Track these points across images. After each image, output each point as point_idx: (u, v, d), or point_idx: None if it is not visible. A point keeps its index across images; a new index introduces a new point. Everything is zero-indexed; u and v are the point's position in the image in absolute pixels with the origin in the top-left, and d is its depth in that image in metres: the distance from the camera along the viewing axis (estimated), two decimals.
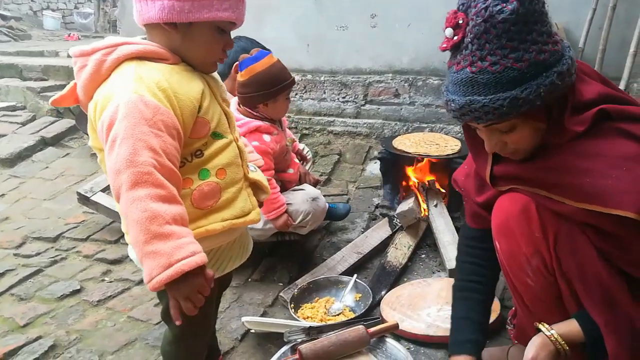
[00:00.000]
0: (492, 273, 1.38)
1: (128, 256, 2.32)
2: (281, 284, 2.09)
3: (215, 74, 1.26)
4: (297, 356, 1.48)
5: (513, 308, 1.68)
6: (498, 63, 1.01)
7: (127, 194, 0.98)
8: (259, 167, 1.38)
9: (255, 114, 2.03)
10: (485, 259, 1.37)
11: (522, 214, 1.18)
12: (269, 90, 1.95)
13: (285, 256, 2.26)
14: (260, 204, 1.33)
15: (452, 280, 1.95)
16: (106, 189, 2.64)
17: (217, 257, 1.25)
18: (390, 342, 1.58)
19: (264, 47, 2.19)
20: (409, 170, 2.49)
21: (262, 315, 1.88)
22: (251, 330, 1.77)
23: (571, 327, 1.15)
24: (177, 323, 1.03)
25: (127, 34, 1.14)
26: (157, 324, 1.83)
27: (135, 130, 1.00)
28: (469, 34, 1.04)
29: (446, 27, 1.11)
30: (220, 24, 1.13)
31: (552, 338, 1.13)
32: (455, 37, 1.08)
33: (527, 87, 1.00)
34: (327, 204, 2.15)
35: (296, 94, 3.93)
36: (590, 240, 1.12)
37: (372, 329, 1.57)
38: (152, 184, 0.98)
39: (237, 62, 2.02)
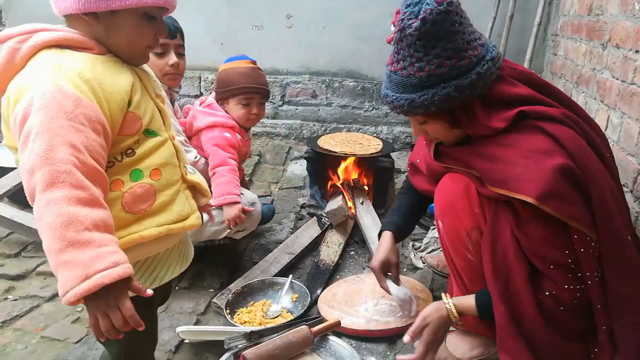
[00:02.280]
0: (423, 197, 1.65)
1: (33, 270, 2.10)
2: (212, 290, 1.99)
3: (148, 69, 1.17)
4: None
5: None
6: (406, 69, 1.18)
7: (41, 195, 0.86)
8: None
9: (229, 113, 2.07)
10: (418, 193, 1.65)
11: (464, 192, 1.31)
12: (221, 89, 2.02)
13: (214, 261, 2.16)
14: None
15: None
16: (3, 196, 2.35)
17: (154, 265, 1.14)
18: (333, 339, 1.58)
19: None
20: (338, 169, 2.52)
21: (195, 324, 1.78)
22: (185, 341, 1.67)
23: (468, 301, 1.31)
24: (101, 340, 0.92)
25: (14, 25, 1.01)
26: (77, 342, 1.65)
27: (52, 124, 0.88)
28: (395, 36, 1.20)
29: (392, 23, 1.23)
30: (148, 10, 1.02)
31: (447, 305, 1.32)
32: (391, 35, 1.23)
33: (424, 94, 1.17)
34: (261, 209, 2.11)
35: (210, 93, 3.80)
36: (508, 221, 1.23)
37: (315, 329, 1.55)
38: (71, 185, 0.87)
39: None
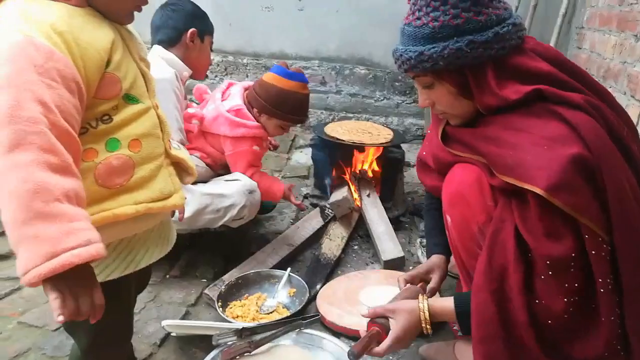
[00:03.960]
0: None
1: None
2: (204, 280, 1.87)
3: (132, 29, 1.04)
4: (377, 328, 1.21)
5: None
6: (420, 19, 1.10)
7: (4, 157, 0.73)
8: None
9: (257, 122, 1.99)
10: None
11: (476, 183, 1.19)
12: (269, 106, 1.93)
13: (208, 249, 2.04)
14: None
15: (389, 272, 1.89)
16: None
17: (129, 248, 1.01)
18: (330, 340, 1.45)
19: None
20: (345, 159, 2.38)
21: (184, 316, 1.66)
22: (172, 334, 1.55)
23: (445, 304, 1.18)
24: (59, 320, 0.77)
25: None
26: (56, 330, 1.54)
27: (20, 78, 0.76)
28: None
29: None
30: None
31: (421, 305, 1.18)
32: None
33: (435, 47, 1.08)
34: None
35: (216, 76, 3.68)
36: (515, 216, 1.11)
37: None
38: (40, 148, 0.75)
39: (192, 29, 1.85)
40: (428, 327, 1.17)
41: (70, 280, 0.75)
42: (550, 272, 1.04)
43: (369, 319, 1.23)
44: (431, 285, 1.38)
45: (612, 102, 1.15)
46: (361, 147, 2.32)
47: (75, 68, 0.83)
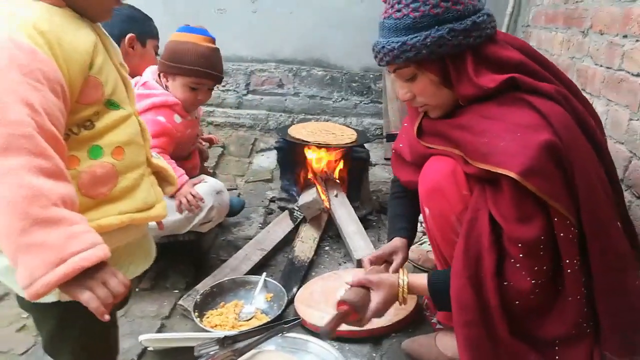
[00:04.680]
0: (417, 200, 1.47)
1: None
2: (176, 291, 1.81)
3: (106, 33, 0.99)
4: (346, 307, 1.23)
5: None
6: (400, 10, 1.13)
7: None
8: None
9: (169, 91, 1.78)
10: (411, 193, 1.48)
11: (451, 174, 1.23)
12: (169, 62, 1.72)
13: (177, 259, 1.98)
14: None
15: (362, 270, 1.91)
16: None
17: (114, 261, 0.93)
18: (316, 342, 1.44)
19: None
20: (310, 160, 2.38)
21: (160, 329, 1.60)
22: (149, 348, 1.49)
23: (420, 280, 1.25)
24: (106, 318, 0.76)
25: None
26: (23, 354, 1.44)
27: (4, 78, 0.72)
28: None
29: None
30: None
31: (400, 280, 1.26)
32: None
33: (417, 36, 1.11)
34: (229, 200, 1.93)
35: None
36: (487, 204, 1.16)
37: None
38: (30, 152, 0.71)
39: (130, 35, 1.76)
40: (405, 297, 1.26)
41: (87, 276, 0.74)
42: (521, 255, 1.10)
43: (338, 299, 1.26)
44: (393, 266, 1.44)
45: (577, 93, 1.21)
46: (330, 148, 2.32)
47: (59, 71, 0.78)
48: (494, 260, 1.13)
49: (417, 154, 1.35)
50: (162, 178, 1.08)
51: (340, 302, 1.24)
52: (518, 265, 1.11)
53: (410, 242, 1.50)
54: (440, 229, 1.29)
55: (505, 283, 1.12)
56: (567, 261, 1.09)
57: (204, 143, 2.21)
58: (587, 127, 1.15)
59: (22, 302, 0.96)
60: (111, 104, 0.90)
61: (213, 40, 1.82)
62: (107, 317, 0.76)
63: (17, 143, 0.70)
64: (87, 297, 0.73)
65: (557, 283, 1.14)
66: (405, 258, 1.46)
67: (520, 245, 1.09)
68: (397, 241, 1.47)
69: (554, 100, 1.12)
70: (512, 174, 1.04)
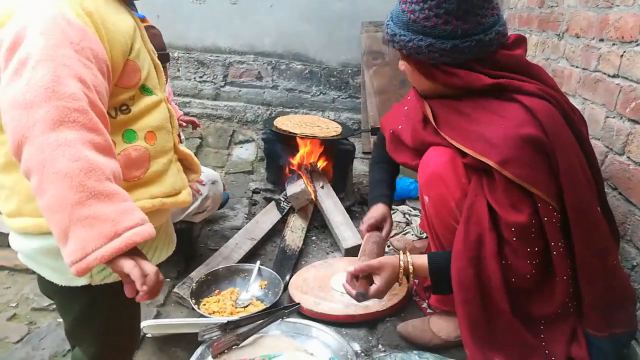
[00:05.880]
0: (397, 167, 1.68)
1: None
2: (168, 279, 1.82)
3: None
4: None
5: (416, 281, 1.75)
6: (406, 3, 1.23)
7: (47, 135, 0.69)
8: None
9: None
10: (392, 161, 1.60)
11: (450, 163, 1.30)
12: None
13: None
14: None
15: (351, 259, 1.97)
16: None
17: (140, 246, 0.98)
18: (319, 328, 1.48)
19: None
20: (296, 152, 2.40)
21: (156, 316, 1.60)
22: (147, 335, 1.49)
23: (421, 260, 1.32)
24: (144, 289, 0.76)
25: None
26: (17, 342, 1.41)
27: (57, 52, 0.72)
28: None
29: None
30: None
31: (401, 262, 1.31)
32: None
33: (404, 35, 1.23)
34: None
35: None
36: (484, 192, 1.24)
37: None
38: (84, 126, 0.71)
39: None
40: (404, 275, 1.31)
41: (129, 260, 0.74)
42: (515, 238, 1.19)
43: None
44: (384, 232, 1.55)
45: (559, 91, 1.31)
46: (317, 140, 2.36)
47: (105, 51, 0.79)
48: (494, 239, 1.21)
49: (419, 141, 1.40)
50: (186, 166, 1.09)
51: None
52: (515, 247, 1.20)
53: (390, 208, 1.64)
54: (439, 215, 1.36)
55: (504, 262, 1.21)
56: (553, 244, 1.19)
57: (184, 124, 2.20)
58: (572, 120, 1.24)
59: (47, 288, 0.95)
60: (145, 89, 0.91)
61: (143, 19, 1.80)
62: (145, 288, 0.76)
63: (72, 116, 0.70)
64: (132, 269, 0.73)
65: (549, 265, 1.23)
66: (392, 223, 1.60)
67: (513, 229, 1.18)
68: (383, 208, 1.58)
69: (540, 97, 1.21)
70: (491, 163, 1.16)
